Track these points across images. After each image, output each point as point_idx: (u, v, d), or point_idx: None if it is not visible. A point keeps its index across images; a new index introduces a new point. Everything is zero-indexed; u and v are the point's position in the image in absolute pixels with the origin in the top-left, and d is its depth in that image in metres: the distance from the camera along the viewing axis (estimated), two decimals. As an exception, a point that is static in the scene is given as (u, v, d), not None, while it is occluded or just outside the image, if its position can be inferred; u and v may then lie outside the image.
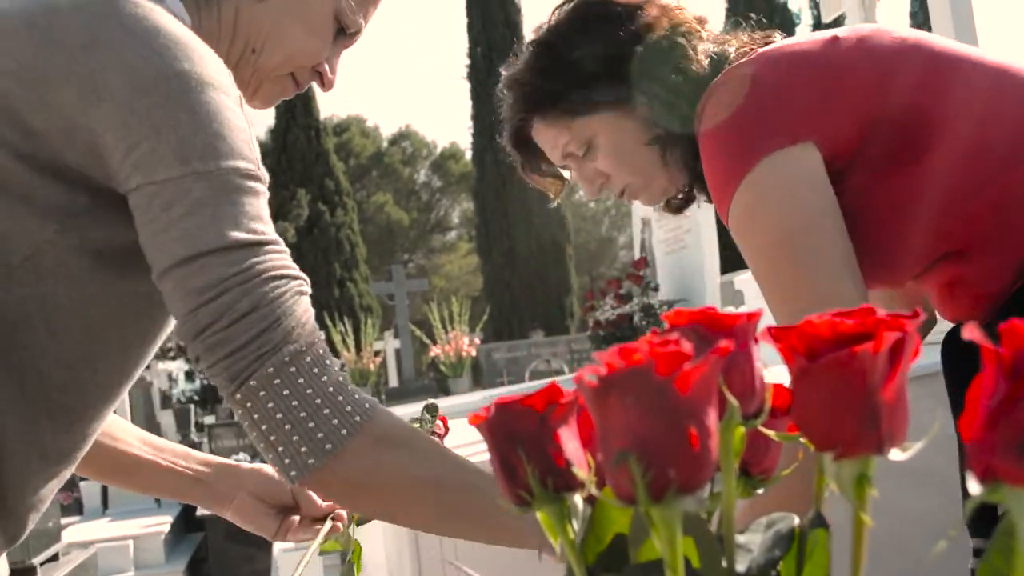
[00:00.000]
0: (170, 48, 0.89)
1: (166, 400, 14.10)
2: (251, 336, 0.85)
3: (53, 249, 0.90)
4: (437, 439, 1.07)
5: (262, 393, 0.85)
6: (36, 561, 3.20)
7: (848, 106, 1.23)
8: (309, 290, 0.93)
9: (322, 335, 0.91)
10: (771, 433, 0.53)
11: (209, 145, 0.87)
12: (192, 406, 13.34)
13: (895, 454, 0.46)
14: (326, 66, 1.12)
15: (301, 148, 22.36)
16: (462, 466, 0.94)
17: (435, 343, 10.19)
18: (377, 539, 2.61)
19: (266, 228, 0.90)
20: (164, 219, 0.87)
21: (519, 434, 0.51)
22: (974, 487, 0.40)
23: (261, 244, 0.89)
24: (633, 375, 0.40)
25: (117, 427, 1.22)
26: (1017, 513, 0.38)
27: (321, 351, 0.89)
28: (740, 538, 0.54)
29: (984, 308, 1.28)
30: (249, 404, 0.86)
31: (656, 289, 7.66)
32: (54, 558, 3.38)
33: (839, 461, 0.45)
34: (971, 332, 0.40)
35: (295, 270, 0.91)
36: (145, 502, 7.97)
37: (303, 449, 0.85)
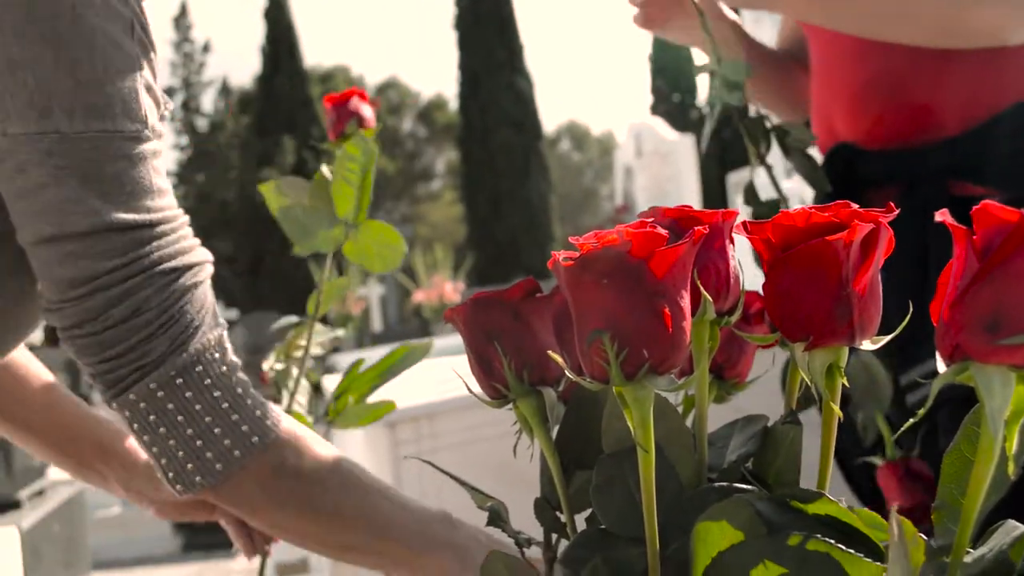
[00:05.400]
0: None
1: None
2: (129, 345, 0.71)
3: None
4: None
5: (143, 405, 0.72)
6: (23, 495, 3.21)
7: None
8: (208, 273, 0.77)
9: (221, 333, 0.76)
10: (745, 335, 0.53)
11: (80, 98, 0.69)
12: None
13: (867, 345, 0.46)
14: None
15: (286, 95, 22.15)
16: (366, 504, 0.80)
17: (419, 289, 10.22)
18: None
19: (155, 202, 0.73)
20: (19, 183, 0.70)
21: (494, 328, 0.52)
22: (942, 367, 0.41)
23: (146, 226, 0.72)
24: (608, 255, 0.40)
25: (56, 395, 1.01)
26: (984, 390, 0.39)
27: (216, 356, 0.74)
28: (713, 435, 0.55)
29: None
30: (128, 414, 0.73)
31: (640, 237, 7.68)
32: (39, 494, 3.39)
33: (810, 351, 0.46)
34: (944, 216, 0.40)
35: (190, 253, 0.75)
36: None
37: (189, 466, 0.73)
